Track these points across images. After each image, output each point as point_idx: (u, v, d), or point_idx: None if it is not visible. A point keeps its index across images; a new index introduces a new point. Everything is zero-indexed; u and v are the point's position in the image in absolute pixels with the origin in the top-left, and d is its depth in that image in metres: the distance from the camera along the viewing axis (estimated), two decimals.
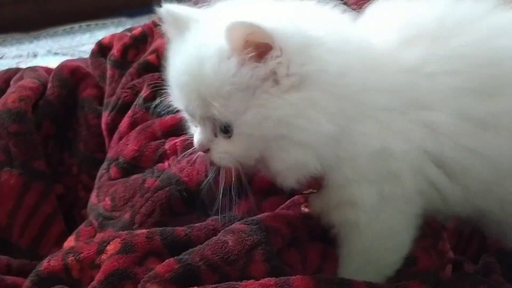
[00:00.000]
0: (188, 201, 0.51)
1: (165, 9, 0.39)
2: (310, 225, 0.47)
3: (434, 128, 0.38)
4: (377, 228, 0.41)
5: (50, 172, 0.63)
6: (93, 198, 0.56)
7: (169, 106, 0.44)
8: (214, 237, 0.43)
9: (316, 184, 0.41)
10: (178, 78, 0.39)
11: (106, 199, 0.54)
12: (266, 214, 0.47)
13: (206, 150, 0.40)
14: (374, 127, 0.38)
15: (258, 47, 0.35)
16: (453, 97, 0.38)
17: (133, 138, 0.58)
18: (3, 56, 1.24)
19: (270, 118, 0.37)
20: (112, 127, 0.64)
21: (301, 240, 0.46)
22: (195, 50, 0.38)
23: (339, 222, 0.42)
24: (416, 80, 0.38)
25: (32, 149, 0.61)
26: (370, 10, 0.43)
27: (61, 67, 0.73)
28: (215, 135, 0.40)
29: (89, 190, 0.62)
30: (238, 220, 0.46)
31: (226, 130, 0.39)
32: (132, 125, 0.62)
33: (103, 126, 0.66)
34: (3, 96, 0.65)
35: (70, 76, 0.71)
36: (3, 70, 0.77)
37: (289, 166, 0.39)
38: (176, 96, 0.41)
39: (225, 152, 0.39)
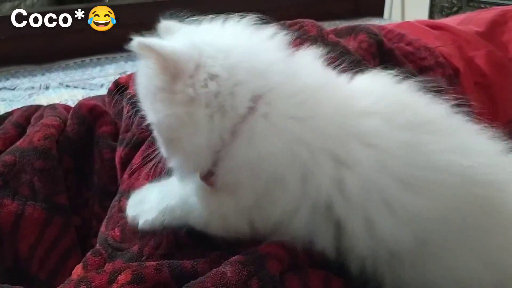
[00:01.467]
0: (193, 234, 0.53)
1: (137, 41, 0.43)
2: (310, 253, 0.49)
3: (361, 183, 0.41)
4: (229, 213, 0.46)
5: (70, 205, 0.64)
6: (102, 227, 0.58)
7: None
8: (214, 269, 0.45)
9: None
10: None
11: (116, 229, 0.55)
12: (264, 243, 0.49)
13: None
14: (277, 150, 0.41)
15: (160, 63, 0.41)
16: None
17: (145, 173, 0.61)
18: (16, 87, 1.27)
19: (162, 123, 0.44)
20: (126, 161, 0.67)
21: (302, 266, 0.48)
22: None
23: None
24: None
25: (55, 184, 0.63)
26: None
27: (80, 105, 0.75)
28: None
29: (100, 220, 0.63)
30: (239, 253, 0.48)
31: None
32: (145, 161, 0.63)
33: (117, 159, 0.68)
34: (28, 135, 0.67)
35: (88, 114, 0.73)
36: (24, 107, 0.79)
37: (178, 166, 0.46)
38: None
39: None
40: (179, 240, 0.52)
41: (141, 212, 0.52)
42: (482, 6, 2.05)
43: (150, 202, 0.51)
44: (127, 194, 0.59)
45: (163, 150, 0.48)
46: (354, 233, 0.42)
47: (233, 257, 0.46)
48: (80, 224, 0.65)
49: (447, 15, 2.18)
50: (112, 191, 0.66)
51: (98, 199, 0.67)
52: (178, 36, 0.45)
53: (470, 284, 0.43)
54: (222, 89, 0.41)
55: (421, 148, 0.42)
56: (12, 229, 0.58)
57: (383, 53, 0.76)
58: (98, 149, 0.70)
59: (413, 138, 0.42)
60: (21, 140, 0.66)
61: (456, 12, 2.14)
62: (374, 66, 0.70)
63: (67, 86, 1.26)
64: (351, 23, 1.73)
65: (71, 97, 1.16)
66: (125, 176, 0.64)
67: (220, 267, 0.45)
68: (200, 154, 0.44)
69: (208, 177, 0.46)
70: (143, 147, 0.65)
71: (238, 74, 0.42)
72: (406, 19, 2.26)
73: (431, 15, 2.24)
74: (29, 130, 0.70)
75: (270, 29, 0.47)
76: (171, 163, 0.47)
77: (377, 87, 0.46)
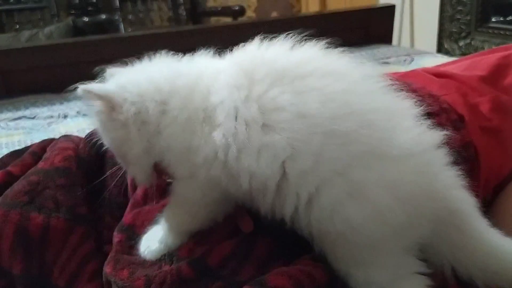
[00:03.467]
0: (196, 266, 0.56)
1: (81, 89, 0.55)
2: (316, 282, 0.51)
3: (223, 134, 0.52)
4: (184, 195, 0.59)
5: (91, 217, 0.70)
6: (108, 268, 0.60)
7: None
8: None
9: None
10: None
11: (125, 270, 0.58)
12: (271, 272, 0.51)
13: None
14: (179, 131, 0.55)
15: (100, 102, 0.55)
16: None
17: (146, 213, 0.66)
18: (35, 116, 1.31)
19: (111, 144, 0.59)
20: (134, 183, 0.71)
21: None
22: None
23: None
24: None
25: (76, 198, 0.69)
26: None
27: (92, 133, 0.81)
28: None
29: (111, 229, 0.69)
30: (243, 284, 0.50)
31: None
32: (145, 195, 0.69)
33: (128, 181, 0.73)
34: (48, 158, 0.74)
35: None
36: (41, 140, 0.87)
37: (134, 173, 0.60)
38: None
39: None
40: (182, 274, 0.55)
41: (147, 247, 0.62)
42: (490, 31, 2.08)
43: (153, 238, 0.62)
44: (131, 235, 0.64)
45: (122, 165, 0.62)
46: (239, 177, 0.53)
47: None
48: (96, 237, 0.70)
49: (456, 41, 2.21)
50: (120, 202, 0.72)
51: (109, 210, 0.73)
52: (113, 79, 0.59)
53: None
54: (140, 109, 0.55)
55: (267, 95, 0.52)
56: (40, 240, 0.64)
57: None
58: (109, 168, 0.76)
59: (255, 89, 0.52)
60: (42, 163, 0.73)
61: (464, 38, 2.17)
62: None
63: (84, 114, 1.29)
64: (361, 50, 1.78)
65: (88, 125, 1.19)
66: (128, 207, 0.69)
67: None
68: (141, 159, 0.57)
69: (160, 172, 0.60)
70: None
71: (145, 95, 0.55)
72: (416, 46, 2.30)
73: (439, 41, 2.27)
74: (47, 155, 0.76)
75: (166, 56, 0.61)
76: (130, 173, 0.61)
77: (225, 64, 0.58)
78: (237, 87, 0.53)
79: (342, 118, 0.48)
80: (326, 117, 0.48)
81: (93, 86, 0.55)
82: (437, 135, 0.54)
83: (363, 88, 0.52)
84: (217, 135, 0.52)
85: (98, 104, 0.56)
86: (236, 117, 0.52)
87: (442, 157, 0.54)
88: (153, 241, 0.62)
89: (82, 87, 0.54)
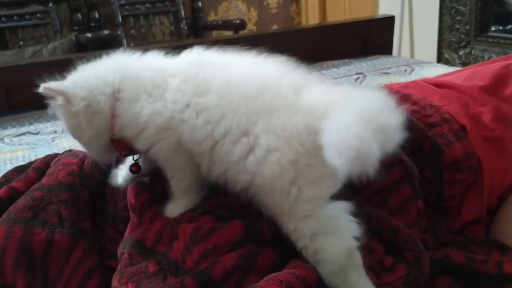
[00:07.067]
0: (198, 280, 0.56)
1: (42, 86, 0.63)
2: (306, 282, 0.52)
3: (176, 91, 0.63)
4: (162, 160, 0.66)
5: (94, 232, 0.70)
6: (115, 282, 0.61)
7: None
8: None
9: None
10: None
11: (129, 285, 0.58)
12: (262, 280, 0.53)
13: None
14: (129, 104, 0.64)
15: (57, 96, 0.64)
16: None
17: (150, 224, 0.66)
18: (39, 131, 1.32)
19: (68, 130, 0.67)
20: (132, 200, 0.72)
21: None
22: None
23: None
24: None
25: (79, 213, 0.69)
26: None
27: None
28: None
29: (114, 243, 0.69)
30: None
31: None
32: (141, 223, 0.68)
33: (128, 198, 0.73)
34: (52, 173, 0.74)
35: None
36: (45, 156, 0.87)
37: (91, 154, 0.72)
38: None
39: None
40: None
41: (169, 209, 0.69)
42: (490, 40, 2.09)
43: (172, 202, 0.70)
44: (136, 246, 0.63)
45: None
46: (182, 132, 0.62)
47: None
48: (98, 251, 0.70)
49: (456, 50, 2.22)
50: (124, 216, 0.72)
51: (113, 224, 0.73)
52: (71, 75, 0.67)
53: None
54: (90, 102, 0.64)
55: (209, 72, 0.62)
56: (44, 255, 0.64)
57: None
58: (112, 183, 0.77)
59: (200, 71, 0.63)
60: (46, 178, 0.74)
61: (464, 47, 2.18)
62: None
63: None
64: (360, 62, 1.78)
65: None
66: (131, 223, 0.69)
67: None
68: (92, 142, 0.66)
69: (119, 149, 0.68)
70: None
71: (95, 90, 0.64)
72: (416, 56, 2.31)
73: (439, 51, 2.28)
74: (51, 170, 0.76)
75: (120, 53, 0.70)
76: (87, 152, 0.73)
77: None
78: (190, 65, 0.65)
79: (248, 84, 0.60)
80: (240, 84, 0.60)
81: (51, 83, 0.64)
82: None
83: (265, 75, 0.62)
84: (169, 94, 0.62)
85: (56, 98, 0.65)
86: (186, 80, 0.63)
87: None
88: (171, 203, 0.69)
89: (43, 85, 0.63)
